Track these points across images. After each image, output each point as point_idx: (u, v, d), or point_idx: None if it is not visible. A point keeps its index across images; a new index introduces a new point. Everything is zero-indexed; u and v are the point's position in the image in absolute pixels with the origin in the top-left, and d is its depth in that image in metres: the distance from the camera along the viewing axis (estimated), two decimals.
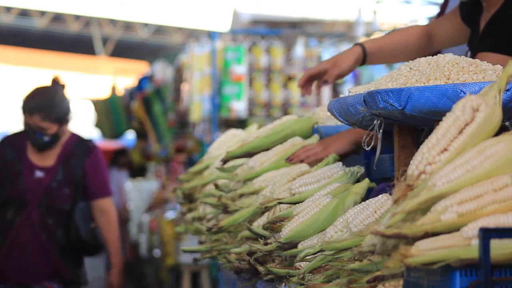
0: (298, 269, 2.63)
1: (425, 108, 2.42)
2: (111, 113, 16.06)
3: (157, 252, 11.01)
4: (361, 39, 7.67)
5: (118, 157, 14.04)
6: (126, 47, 24.29)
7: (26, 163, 5.02)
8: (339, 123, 3.08)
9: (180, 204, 4.12)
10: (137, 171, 15.43)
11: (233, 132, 4.24)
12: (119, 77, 21.94)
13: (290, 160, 3.33)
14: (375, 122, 2.65)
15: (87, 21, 22.40)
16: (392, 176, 2.93)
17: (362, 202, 2.69)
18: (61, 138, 5.05)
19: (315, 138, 3.46)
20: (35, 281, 4.95)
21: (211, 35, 9.22)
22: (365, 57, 3.48)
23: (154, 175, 14.23)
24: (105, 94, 17.63)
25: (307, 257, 2.62)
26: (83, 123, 18.51)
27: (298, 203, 2.91)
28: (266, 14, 13.07)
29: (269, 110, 9.19)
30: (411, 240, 1.93)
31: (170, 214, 10.38)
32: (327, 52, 9.05)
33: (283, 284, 2.73)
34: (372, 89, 2.63)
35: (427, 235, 1.91)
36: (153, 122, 12.91)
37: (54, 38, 23.49)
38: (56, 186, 4.99)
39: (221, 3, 28.86)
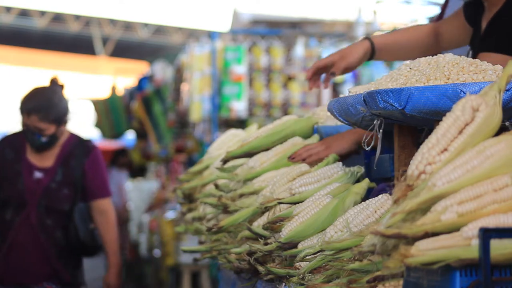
0: (298, 269, 2.63)
1: (425, 108, 2.42)
2: (111, 113, 16.06)
3: (157, 252, 11.01)
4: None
5: (118, 157, 14.04)
6: (126, 47, 24.29)
7: (25, 163, 5.01)
8: (339, 123, 3.08)
9: (180, 204, 4.12)
10: (137, 171, 15.44)
11: (233, 132, 4.24)
12: (119, 77, 21.95)
13: (292, 158, 3.33)
14: (375, 122, 2.65)
15: (87, 21, 22.40)
16: (392, 176, 2.93)
17: (362, 202, 2.69)
18: (59, 138, 5.03)
19: (315, 138, 3.46)
20: (33, 281, 4.94)
21: (211, 35, 9.22)
22: (373, 52, 3.45)
23: (154, 175, 14.23)
24: (105, 94, 17.63)
25: (307, 257, 2.62)
26: (83, 123, 18.52)
27: (298, 203, 2.91)
28: (266, 14, 13.07)
29: (269, 110, 9.19)
30: (411, 240, 1.93)
31: (170, 214, 10.38)
32: (327, 52, 9.04)
33: (283, 284, 2.73)
34: (372, 89, 2.63)
35: (427, 235, 1.91)
36: (153, 122, 12.91)
37: (54, 38, 23.49)
38: (55, 186, 4.98)
39: (221, 3, 28.87)
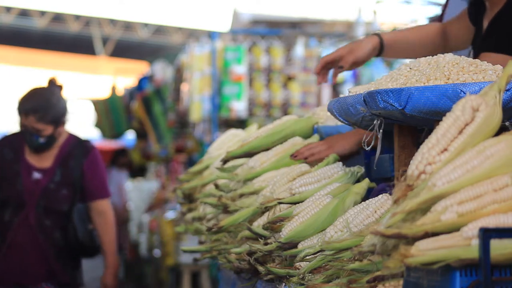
0: (298, 269, 2.63)
1: (425, 108, 2.42)
2: (111, 113, 16.06)
3: (157, 252, 11.01)
4: None
5: (118, 157, 14.04)
6: (126, 47, 24.29)
7: (24, 164, 5.00)
8: (339, 123, 3.08)
9: (180, 204, 4.12)
10: (137, 171, 15.44)
11: (233, 132, 4.24)
12: (119, 77, 21.95)
13: (294, 156, 3.32)
14: (375, 122, 2.65)
15: (87, 21, 22.40)
16: (392, 176, 2.93)
17: (362, 202, 2.70)
18: (57, 139, 5.01)
19: (315, 138, 3.46)
20: (32, 282, 4.93)
21: (211, 35, 9.22)
22: (381, 48, 3.43)
23: (154, 175, 14.23)
24: (105, 94, 17.63)
25: (307, 257, 2.62)
26: (83, 123, 18.52)
27: (298, 203, 2.91)
28: (266, 14, 13.07)
29: (269, 110, 9.19)
30: (411, 240, 1.93)
31: (170, 214, 10.38)
32: (327, 52, 9.02)
33: (283, 284, 2.73)
34: (372, 89, 2.63)
35: (427, 235, 1.91)
36: (153, 122, 12.91)
37: (54, 38, 23.49)
38: (54, 187, 4.97)
39: (221, 3, 28.88)
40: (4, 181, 4.97)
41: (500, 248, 1.86)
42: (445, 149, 2.06)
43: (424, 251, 1.89)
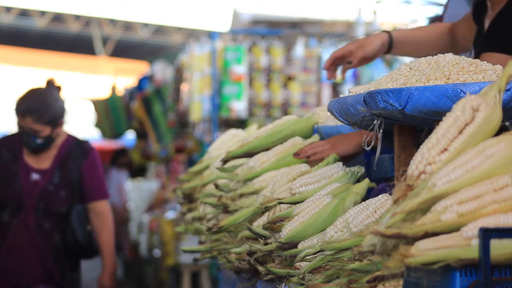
0: (298, 269, 2.63)
1: (425, 108, 2.42)
2: (111, 113, 16.05)
3: (157, 252, 11.01)
4: None
5: (118, 157, 14.04)
6: (126, 47, 24.29)
7: (22, 165, 4.97)
8: (339, 123, 3.08)
9: (180, 204, 4.12)
10: (137, 171, 15.43)
11: (233, 132, 4.23)
12: (119, 77, 21.94)
13: (297, 155, 3.32)
14: (375, 122, 2.65)
15: (87, 21, 22.40)
16: (392, 176, 2.93)
17: (362, 202, 2.70)
18: (55, 140, 4.99)
19: (315, 138, 3.46)
20: (30, 284, 4.91)
21: (211, 35, 9.22)
22: (390, 45, 3.43)
23: (154, 175, 14.22)
24: (105, 94, 17.62)
25: (307, 257, 2.62)
26: (83, 123, 18.52)
27: (298, 203, 2.91)
28: (266, 14, 13.07)
29: (269, 110, 9.19)
30: (411, 240, 1.93)
31: (170, 214, 10.38)
32: (327, 52, 9.04)
33: (283, 284, 2.73)
34: (372, 89, 2.63)
35: (427, 235, 1.91)
36: (153, 122, 12.91)
37: (54, 38, 23.49)
38: (53, 189, 4.94)
39: (221, 3, 28.88)
40: (2, 182, 4.95)
41: (500, 248, 1.86)
42: (445, 149, 2.06)
43: (424, 251, 1.89)
